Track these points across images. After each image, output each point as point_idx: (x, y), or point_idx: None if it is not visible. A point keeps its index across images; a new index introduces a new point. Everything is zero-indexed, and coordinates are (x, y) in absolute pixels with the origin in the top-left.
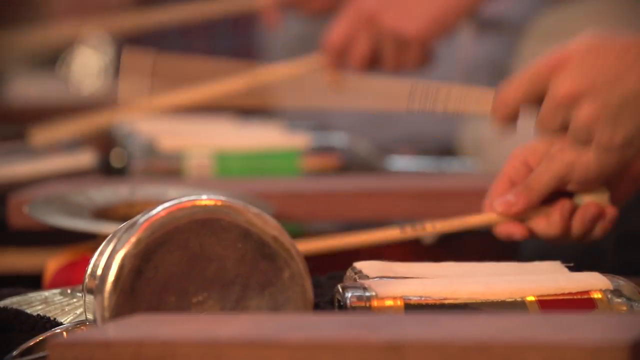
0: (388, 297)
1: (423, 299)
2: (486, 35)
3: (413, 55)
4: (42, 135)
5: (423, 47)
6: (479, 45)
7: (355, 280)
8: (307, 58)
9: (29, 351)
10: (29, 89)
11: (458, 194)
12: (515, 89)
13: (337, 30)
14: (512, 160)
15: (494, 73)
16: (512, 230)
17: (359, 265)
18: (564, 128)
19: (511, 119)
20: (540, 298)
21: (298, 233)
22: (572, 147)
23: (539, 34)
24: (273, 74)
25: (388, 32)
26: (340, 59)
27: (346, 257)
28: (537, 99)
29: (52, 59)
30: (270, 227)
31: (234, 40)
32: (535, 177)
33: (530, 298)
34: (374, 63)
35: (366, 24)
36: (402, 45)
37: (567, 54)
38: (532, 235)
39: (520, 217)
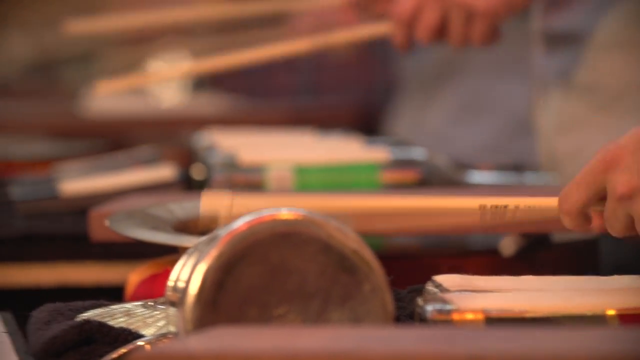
0: (468, 311)
1: (503, 312)
2: (556, 50)
3: (480, 30)
4: (105, 87)
5: (491, 23)
6: (550, 60)
7: (435, 293)
8: (375, 24)
9: None
10: (108, 103)
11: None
12: (574, 196)
13: None
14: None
15: (567, 87)
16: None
17: (439, 278)
18: (631, 224)
19: (581, 222)
20: (621, 312)
21: (378, 246)
22: None
23: (607, 44)
24: (340, 37)
25: (458, 5)
26: (407, 28)
27: (426, 271)
28: (599, 200)
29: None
30: (350, 240)
31: (316, 73)
32: None
33: (611, 312)
34: (441, 35)
35: None
36: (470, 19)
37: (618, 151)
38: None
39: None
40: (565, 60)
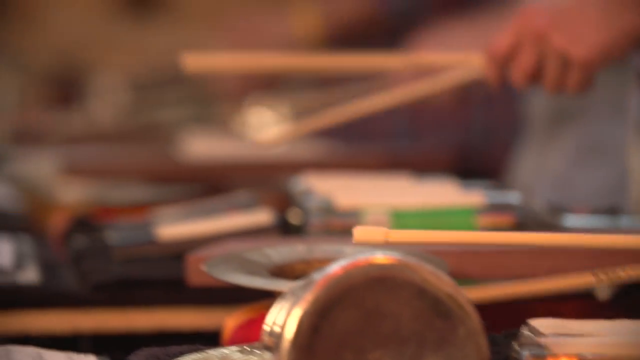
0: (563, 355)
1: (598, 357)
2: None
3: (576, 79)
4: (195, 62)
5: (587, 72)
6: None
7: (531, 337)
8: (468, 55)
9: None
10: (202, 147)
11: (635, 251)
12: None
13: (505, 38)
14: None
15: None
16: None
17: (535, 322)
18: None
19: None
20: None
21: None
22: None
23: None
24: (431, 60)
25: (555, 52)
26: (502, 67)
27: (522, 315)
28: None
29: (223, 116)
30: (445, 284)
31: (412, 115)
32: None
33: None
34: (535, 79)
35: (535, 39)
36: (566, 66)
37: None
38: None
39: None
40: None
